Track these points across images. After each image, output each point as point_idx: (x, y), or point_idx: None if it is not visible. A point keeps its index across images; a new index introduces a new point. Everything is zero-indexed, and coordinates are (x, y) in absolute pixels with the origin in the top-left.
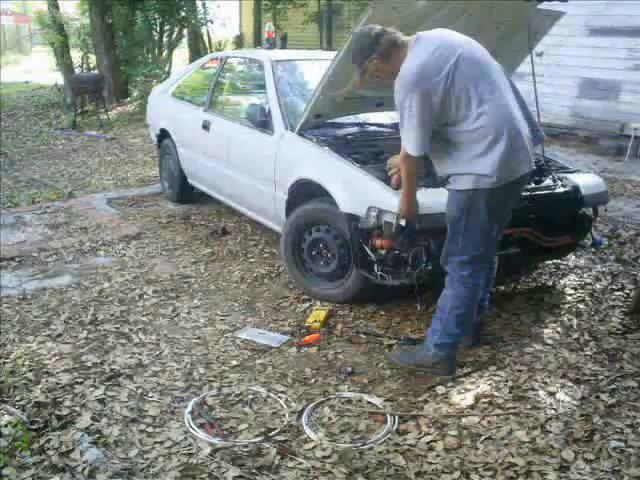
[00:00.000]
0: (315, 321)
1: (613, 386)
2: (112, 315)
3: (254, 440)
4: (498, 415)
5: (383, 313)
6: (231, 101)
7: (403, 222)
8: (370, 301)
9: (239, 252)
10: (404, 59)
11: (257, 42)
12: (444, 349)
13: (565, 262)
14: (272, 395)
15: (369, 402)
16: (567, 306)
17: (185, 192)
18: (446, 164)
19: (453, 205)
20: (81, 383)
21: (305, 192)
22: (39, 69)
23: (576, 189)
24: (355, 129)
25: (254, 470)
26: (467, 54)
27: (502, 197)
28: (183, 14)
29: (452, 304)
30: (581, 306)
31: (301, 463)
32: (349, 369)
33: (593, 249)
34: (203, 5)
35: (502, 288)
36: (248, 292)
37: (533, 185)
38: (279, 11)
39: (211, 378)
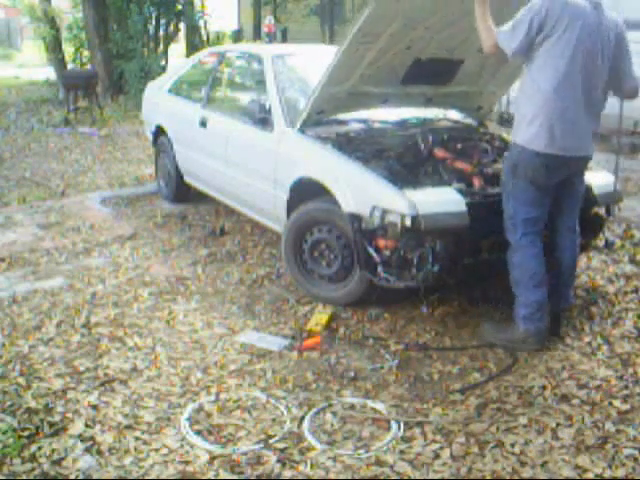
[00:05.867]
0: (317, 324)
1: (626, 392)
2: (106, 318)
3: (253, 447)
4: (507, 422)
5: (387, 316)
6: (230, 97)
7: (408, 222)
8: (374, 304)
9: (238, 253)
10: None
11: (257, 36)
12: (528, 322)
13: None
14: (272, 401)
15: (373, 408)
16: (579, 309)
17: (182, 191)
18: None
19: (505, 161)
20: (74, 388)
21: (306, 191)
22: (30, 64)
23: (588, 188)
24: (359, 126)
25: (253, 478)
26: (591, 26)
27: (543, 165)
28: (180, 7)
29: (516, 274)
30: (593, 309)
31: (302, 471)
32: (352, 374)
33: (606, 250)
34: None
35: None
36: (247, 294)
37: None
38: (279, 4)
39: (209, 383)
